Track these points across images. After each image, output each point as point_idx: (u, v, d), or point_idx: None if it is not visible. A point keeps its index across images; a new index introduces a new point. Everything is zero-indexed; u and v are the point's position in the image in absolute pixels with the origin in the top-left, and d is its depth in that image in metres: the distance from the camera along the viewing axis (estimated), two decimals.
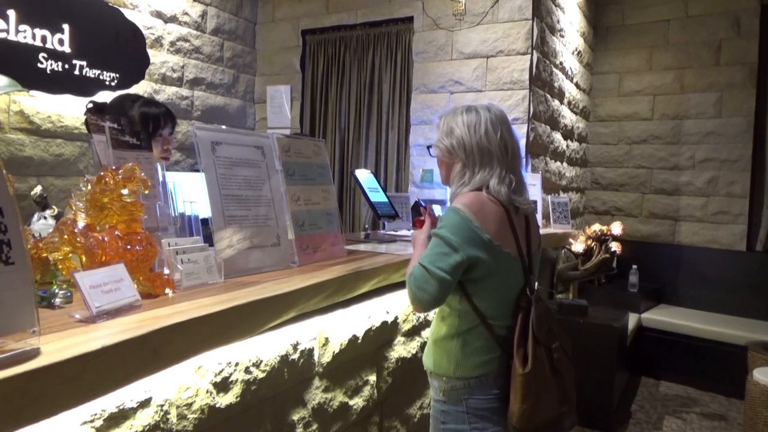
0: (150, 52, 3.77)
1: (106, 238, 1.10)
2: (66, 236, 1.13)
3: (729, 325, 4.26)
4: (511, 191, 1.53)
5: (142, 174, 1.17)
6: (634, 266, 4.63)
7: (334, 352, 1.72)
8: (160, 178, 1.44)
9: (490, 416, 1.53)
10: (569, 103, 4.58)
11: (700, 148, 4.83)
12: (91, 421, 1.01)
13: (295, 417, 1.58)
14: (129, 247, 1.12)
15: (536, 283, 1.67)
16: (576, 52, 4.68)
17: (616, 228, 4.09)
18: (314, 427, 1.64)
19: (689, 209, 4.89)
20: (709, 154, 4.80)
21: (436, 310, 1.62)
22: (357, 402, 1.85)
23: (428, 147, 1.98)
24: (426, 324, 2.26)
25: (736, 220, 4.69)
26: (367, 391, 1.90)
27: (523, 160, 1.64)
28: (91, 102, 1.97)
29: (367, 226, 2.66)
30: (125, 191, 1.11)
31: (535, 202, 2.14)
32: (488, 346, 1.53)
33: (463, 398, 1.54)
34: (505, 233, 1.50)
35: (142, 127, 1.85)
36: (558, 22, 4.14)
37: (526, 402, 1.45)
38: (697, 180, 4.85)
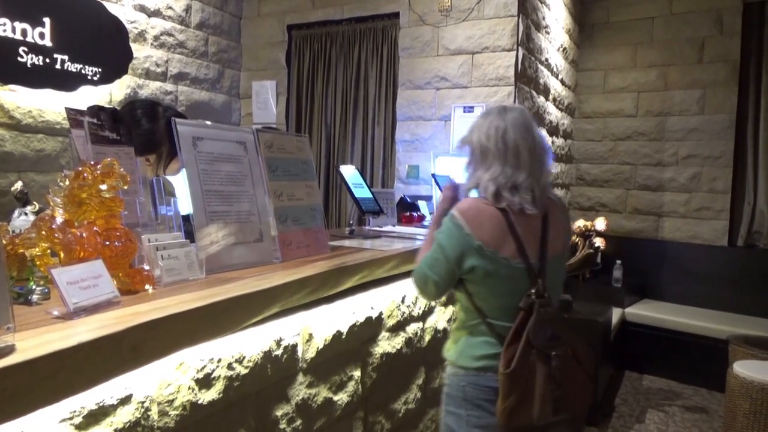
0: (133, 46, 3.73)
1: (84, 234, 1.09)
2: (44, 232, 1.11)
3: (711, 320, 4.32)
4: (506, 189, 1.55)
5: (122, 169, 1.16)
6: (618, 261, 4.68)
7: (318, 348, 1.72)
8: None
9: (487, 407, 1.59)
10: (554, 99, 4.60)
11: (684, 144, 4.89)
12: (71, 419, 1.00)
13: (279, 413, 1.57)
14: (108, 242, 1.11)
15: (558, 287, 1.69)
16: (561, 49, 4.70)
17: (600, 223, 4.13)
18: (298, 422, 1.64)
19: (672, 205, 4.95)
20: (692, 151, 4.85)
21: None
22: (341, 397, 1.85)
23: None
24: (411, 320, 2.27)
25: (719, 215, 4.75)
26: (351, 386, 1.90)
27: (542, 162, 1.66)
28: (96, 106, 1.87)
29: (351, 222, 2.66)
30: (104, 186, 1.10)
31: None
32: (490, 342, 1.60)
33: (462, 385, 1.63)
34: (502, 238, 1.53)
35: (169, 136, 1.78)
36: (543, 18, 4.16)
37: (506, 401, 1.49)
38: (681, 176, 4.90)
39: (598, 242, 3.88)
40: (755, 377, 3.00)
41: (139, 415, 1.14)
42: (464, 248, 1.54)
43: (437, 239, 1.61)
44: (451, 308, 2.49)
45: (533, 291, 1.53)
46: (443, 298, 2.41)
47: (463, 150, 1.70)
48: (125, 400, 1.11)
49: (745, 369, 3.10)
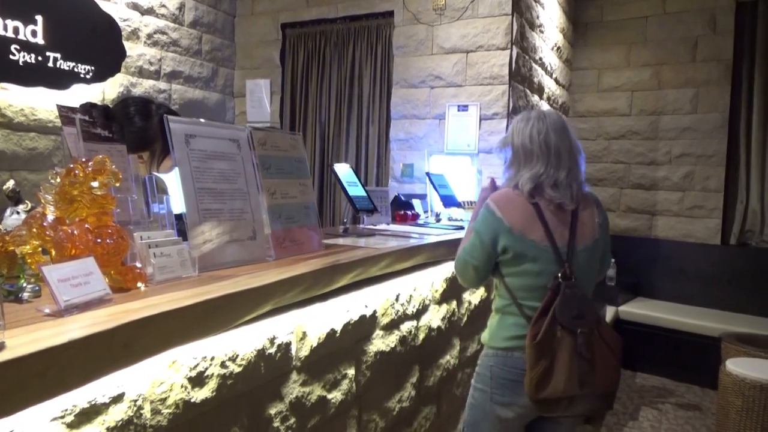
0: (126, 44, 3.72)
1: (75, 232, 1.08)
2: (35, 229, 1.11)
3: (704, 318, 4.34)
4: (548, 186, 1.72)
5: (114, 167, 1.15)
6: (612, 260, 4.68)
7: (311, 346, 1.71)
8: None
9: (512, 387, 1.73)
10: (548, 98, 4.61)
11: (677, 143, 4.91)
12: (62, 417, 1.00)
13: (273, 411, 1.57)
14: (99, 240, 1.10)
15: (597, 273, 1.91)
16: (555, 48, 4.71)
17: None
18: (292, 421, 1.64)
19: (666, 204, 4.97)
20: (685, 150, 4.87)
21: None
22: (335, 396, 1.84)
23: None
24: (405, 318, 2.27)
25: (711, 214, 4.78)
26: (345, 384, 1.90)
27: (577, 161, 1.83)
28: (89, 103, 1.85)
29: (346, 220, 2.66)
30: (95, 184, 1.09)
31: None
32: (519, 323, 1.74)
33: (490, 365, 1.79)
34: (530, 223, 1.71)
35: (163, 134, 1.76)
36: (538, 17, 4.16)
37: (532, 370, 1.61)
38: (674, 175, 4.92)
39: None
40: (747, 374, 3.02)
41: (131, 414, 1.13)
42: (497, 231, 1.72)
43: (474, 227, 1.79)
44: (445, 306, 2.49)
45: (560, 273, 1.67)
46: (437, 294, 2.41)
47: (504, 151, 1.87)
48: (117, 399, 1.10)
49: (737, 366, 3.11)
